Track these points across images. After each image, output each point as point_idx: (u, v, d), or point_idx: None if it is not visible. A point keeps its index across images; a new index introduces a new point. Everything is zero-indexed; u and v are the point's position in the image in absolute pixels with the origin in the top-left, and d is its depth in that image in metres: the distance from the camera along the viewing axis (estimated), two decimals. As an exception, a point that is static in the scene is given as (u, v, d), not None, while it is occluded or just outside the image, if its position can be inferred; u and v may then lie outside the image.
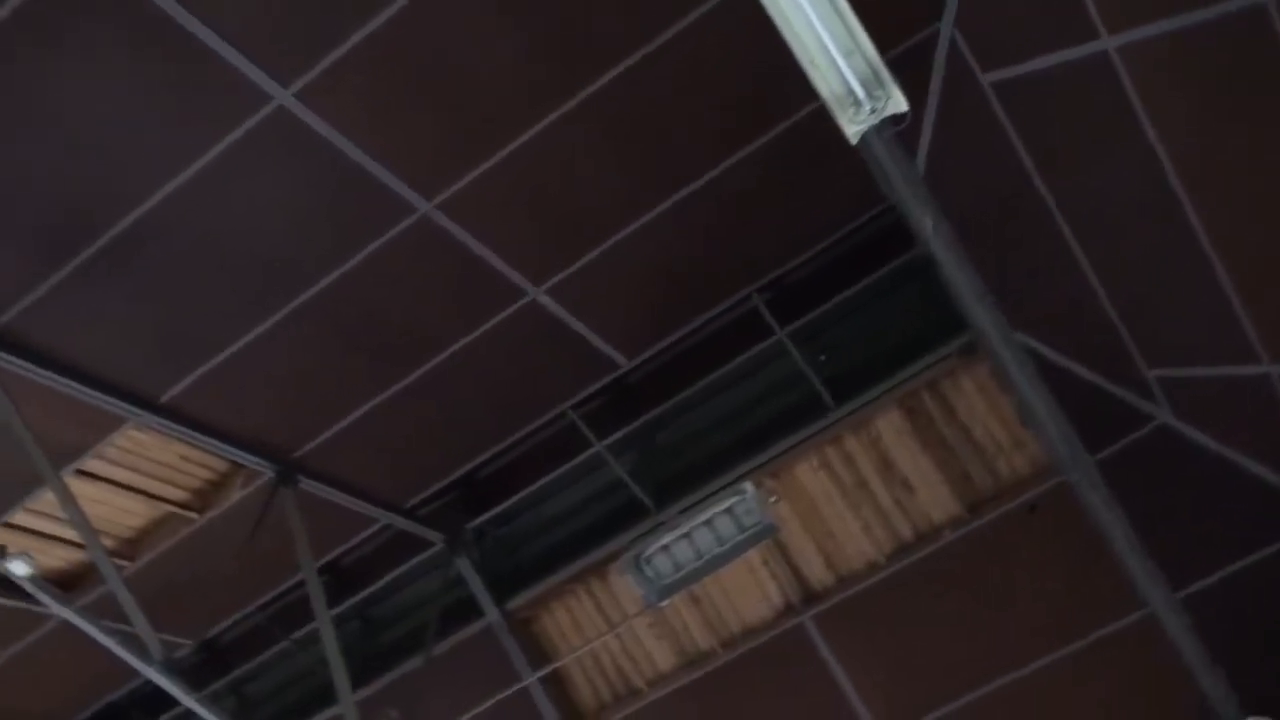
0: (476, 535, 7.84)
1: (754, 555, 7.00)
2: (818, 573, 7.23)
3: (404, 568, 7.94)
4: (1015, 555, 6.95)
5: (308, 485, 6.80)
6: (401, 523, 7.62)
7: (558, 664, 7.61)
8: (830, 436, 7.06)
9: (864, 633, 7.14)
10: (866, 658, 7.14)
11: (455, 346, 6.39)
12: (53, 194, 5.02)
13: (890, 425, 7.03)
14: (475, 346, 6.42)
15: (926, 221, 3.98)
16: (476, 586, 7.70)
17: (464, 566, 7.69)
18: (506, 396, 7.07)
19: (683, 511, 6.99)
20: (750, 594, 7.30)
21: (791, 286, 7.13)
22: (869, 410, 7.01)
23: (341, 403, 6.57)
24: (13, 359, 5.30)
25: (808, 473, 7.14)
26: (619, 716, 7.64)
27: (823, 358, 7.20)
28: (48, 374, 5.51)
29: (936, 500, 6.98)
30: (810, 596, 7.26)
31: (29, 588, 4.92)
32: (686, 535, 6.05)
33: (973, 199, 6.22)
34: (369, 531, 7.73)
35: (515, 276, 6.13)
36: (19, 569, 4.69)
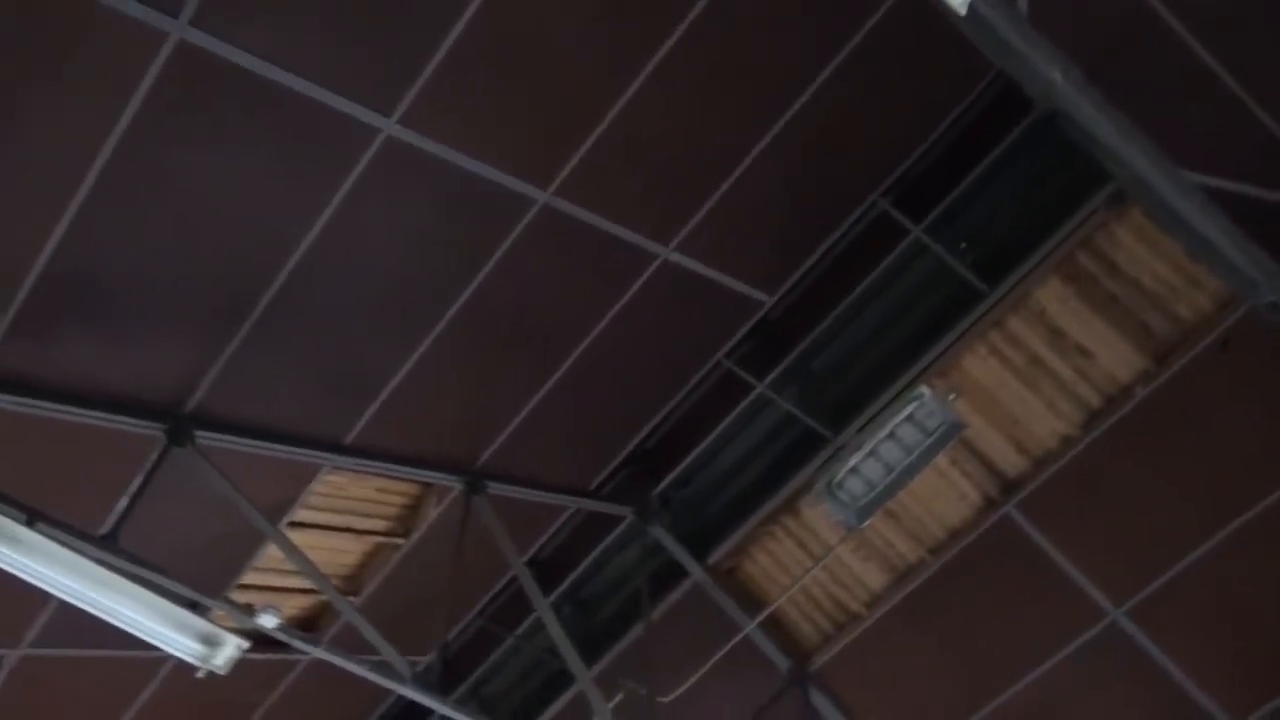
0: (663, 501, 7.96)
1: (941, 459, 6.88)
2: (1011, 460, 7.05)
3: (601, 547, 8.15)
4: (1216, 396, 6.62)
5: (496, 489, 7.05)
6: (589, 504, 7.82)
7: (771, 607, 7.68)
8: (992, 321, 6.85)
9: (1074, 510, 6.94)
10: (1083, 534, 6.95)
11: (603, 323, 6.49)
12: (208, 275, 5.33)
13: (1052, 295, 6.78)
14: (621, 319, 6.50)
15: (1055, 74, 3.80)
16: (675, 549, 7.83)
17: (658, 533, 7.83)
18: (660, 360, 7.14)
19: (860, 431, 6.94)
20: (947, 497, 7.18)
21: (914, 182, 6.93)
22: (1025, 285, 6.76)
23: (509, 404, 6.78)
24: (213, 435, 5.68)
25: (977, 363, 6.95)
26: (843, 644, 7.67)
27: (964, 245, 6.98)
28: (245, 441, 5.88)
29: (1119, 359, 6.70)
30: (1008, 486, 7.09)
31: (282, 636, 5.29)
32: (872, 453, 6.00)
33: (1086, 40, 5.90)
34: (561, 520, 7.96)
35: (644, 242, 6.16)
36: (269, 621, 5.04)
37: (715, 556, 7.86)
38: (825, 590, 7.76)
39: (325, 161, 5.08)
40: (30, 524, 4.59)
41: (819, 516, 7.55)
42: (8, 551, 4.54)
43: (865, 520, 6.29)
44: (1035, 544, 7.05)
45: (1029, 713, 7.20)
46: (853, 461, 6.00)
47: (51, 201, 4.70)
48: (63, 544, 4.63)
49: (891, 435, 6.00)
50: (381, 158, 5.12)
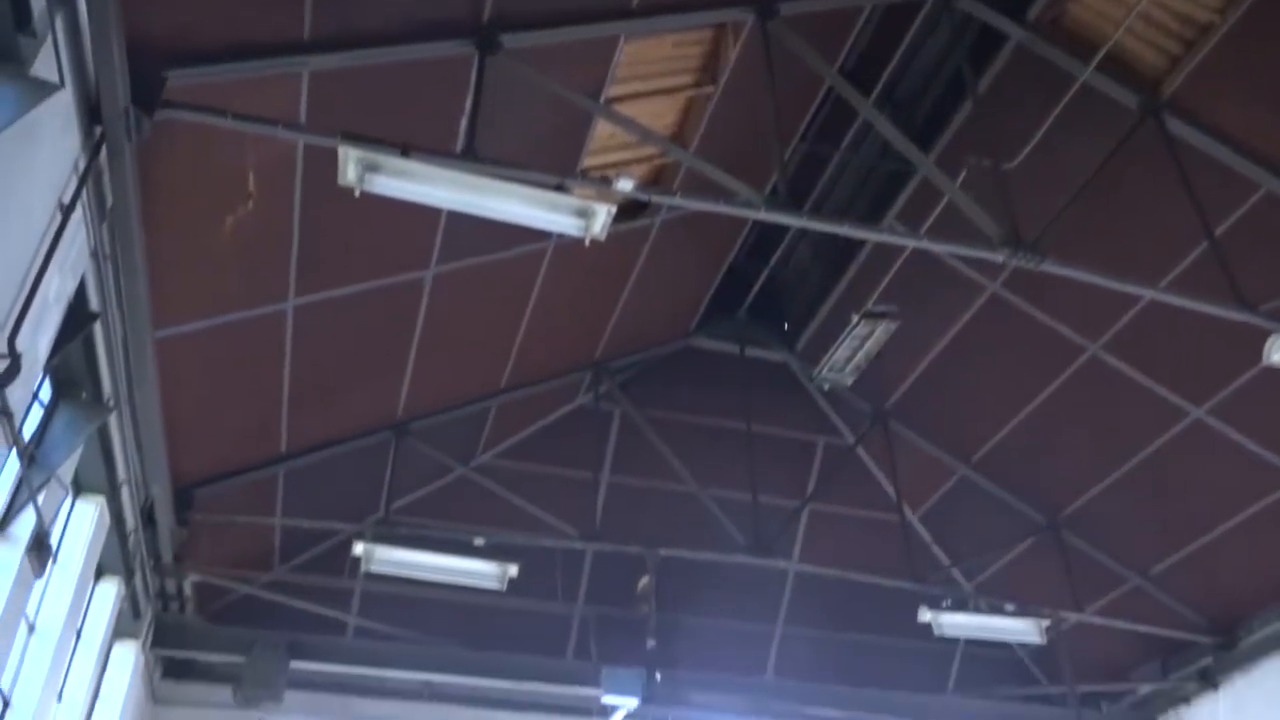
0: (961, -33, 7.35)
1: None
2: None
3: (910, 35, 7.83)
4: None
5: (788, 8, 6.82)
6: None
7: (1109, 44, 7.06)
8: None
9: None
10: None
11: None
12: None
13: None
14: None
15: None
16: (987, 15, 7.32)
17: (965, 4, 7.31)
18: None
19: None
20: None
21: None
22: None
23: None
24: (515, 34, 5.92)
25: None
26: (1197, 61, 7.00)
27: None
28: (544, 33, 6.09)
29: None
30: None
31: (642, 195, 5.76)
32: None
33: None
34: (860, 21, 7.67)
35: None
36: (625, 185, 5.48)
37: (1034, 11, 7.28)
38: (1166, 9, 6.99)
39: None
40: (405, 155, 5.15)
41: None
42: (398, 182, 5.18)
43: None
44: None
45: None
46: None
47: None
48: (438, 165, 5.19)
49: None
50: None
